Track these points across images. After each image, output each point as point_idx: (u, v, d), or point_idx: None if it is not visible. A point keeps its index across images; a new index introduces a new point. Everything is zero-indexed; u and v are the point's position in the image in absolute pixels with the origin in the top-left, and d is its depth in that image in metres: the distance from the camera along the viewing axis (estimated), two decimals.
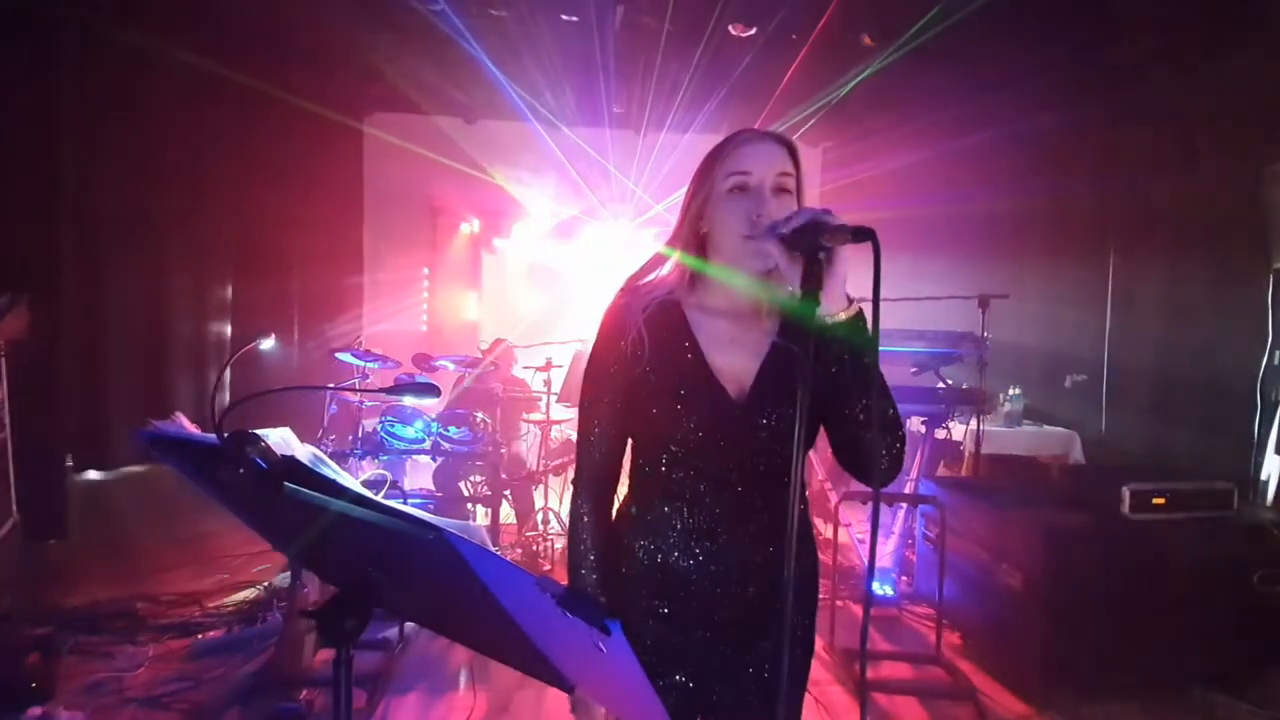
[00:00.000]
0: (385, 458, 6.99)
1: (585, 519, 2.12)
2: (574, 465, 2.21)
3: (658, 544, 2.08)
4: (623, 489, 2.24)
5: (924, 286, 7.74)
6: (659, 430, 2.04)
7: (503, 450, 7.20)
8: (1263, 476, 6.32)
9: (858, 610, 5.97)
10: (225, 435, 1.41)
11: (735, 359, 2.07)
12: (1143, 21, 6.82)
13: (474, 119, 11.34)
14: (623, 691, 1.58)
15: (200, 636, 5.58)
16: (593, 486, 2.15)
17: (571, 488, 2.20)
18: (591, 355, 2.14)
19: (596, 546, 2.10)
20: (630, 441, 2.16)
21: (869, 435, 1.88)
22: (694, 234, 2.07)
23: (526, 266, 12.34)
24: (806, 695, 2.33)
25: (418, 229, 11.94)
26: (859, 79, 8.62)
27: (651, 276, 2.15)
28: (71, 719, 4.42)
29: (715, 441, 2.02)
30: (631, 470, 2.16)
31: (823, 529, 6.99)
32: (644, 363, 2.03)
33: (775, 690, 1.64)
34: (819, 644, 2.24)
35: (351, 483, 1.46)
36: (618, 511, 2.21)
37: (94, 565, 6.79)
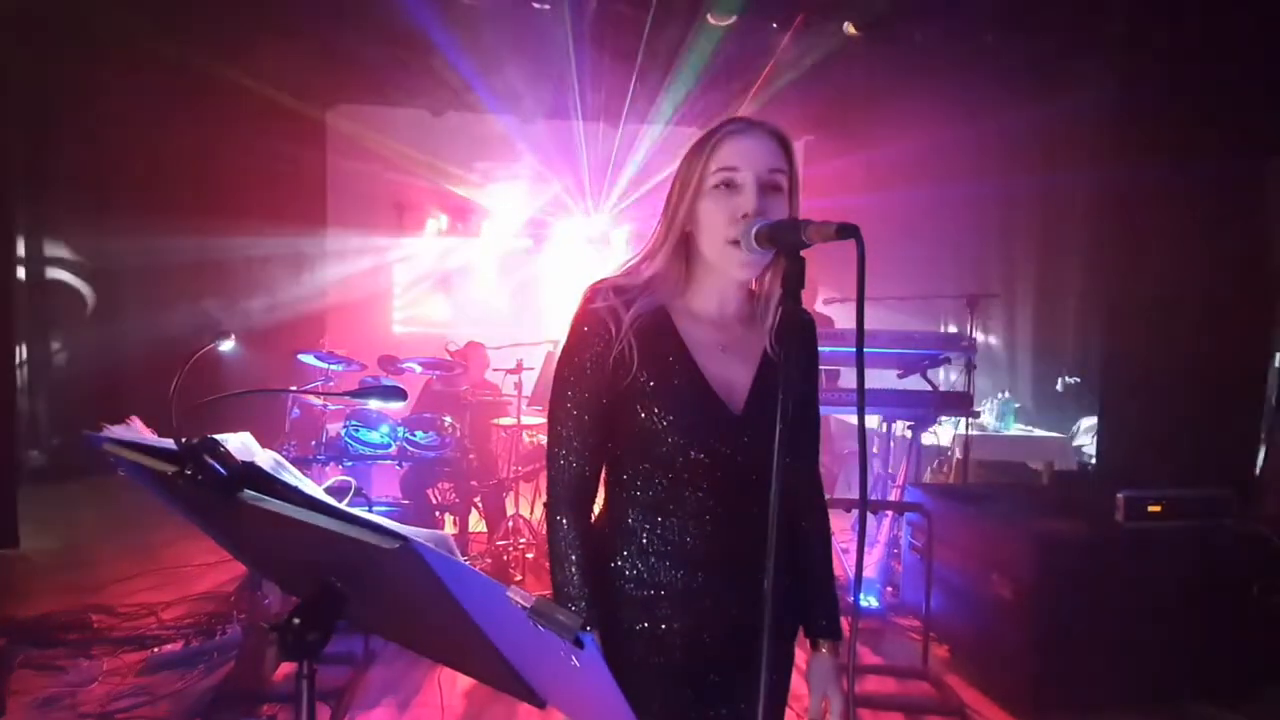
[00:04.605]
0: (350, 463, 6.96)
1: (567, 532, 2.04)
2: (545, 479, 2.13)
3: (645, 558, 2.05)
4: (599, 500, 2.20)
5: (911, 285, 7.77)
6: (649, 443, 2.01)
7: (471, 455, 7.18)
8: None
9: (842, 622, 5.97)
10: (183, 440, 1.41)
11: (730, 367, 2.06)
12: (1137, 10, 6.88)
13: (441, 111, 11.32)
14: (597, 708, 1.58)
15: (157, 650, 5.53)
16: (572, 503, 2.07)
17: (545, 508, 2.12)
18: (563, 362, 2.07)
19: (582, 559, 2.03)
20: (611, 452, 2.11)
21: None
22: (679, 233, 2.02)
23: (497, 265, 12.35)
24: (788, 711, 2.33)
25: (383, 226, 11.95)
26: (843, 69, 8.64)
27: (625, 271, 2.11)
28: None
29: (711, 453, 2.00)
30: (613, 482, 2.12)
31: None
32: (631, 374, 1.99)
33: (756, 704, 1.64)
34: (801, 658, 2.23)
35: (314, 489, 1.45)
36: (597, 524, 2.15)
37: (46, 576, 6.76)
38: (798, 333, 2.08)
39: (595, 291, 2.05)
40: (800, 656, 2.23)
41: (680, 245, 2.04)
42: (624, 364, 1.99)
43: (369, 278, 11.82)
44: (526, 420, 7.29)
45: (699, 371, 2.02)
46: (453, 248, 12.21)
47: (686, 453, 1.99)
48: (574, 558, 2.02)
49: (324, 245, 11.71)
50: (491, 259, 12.30)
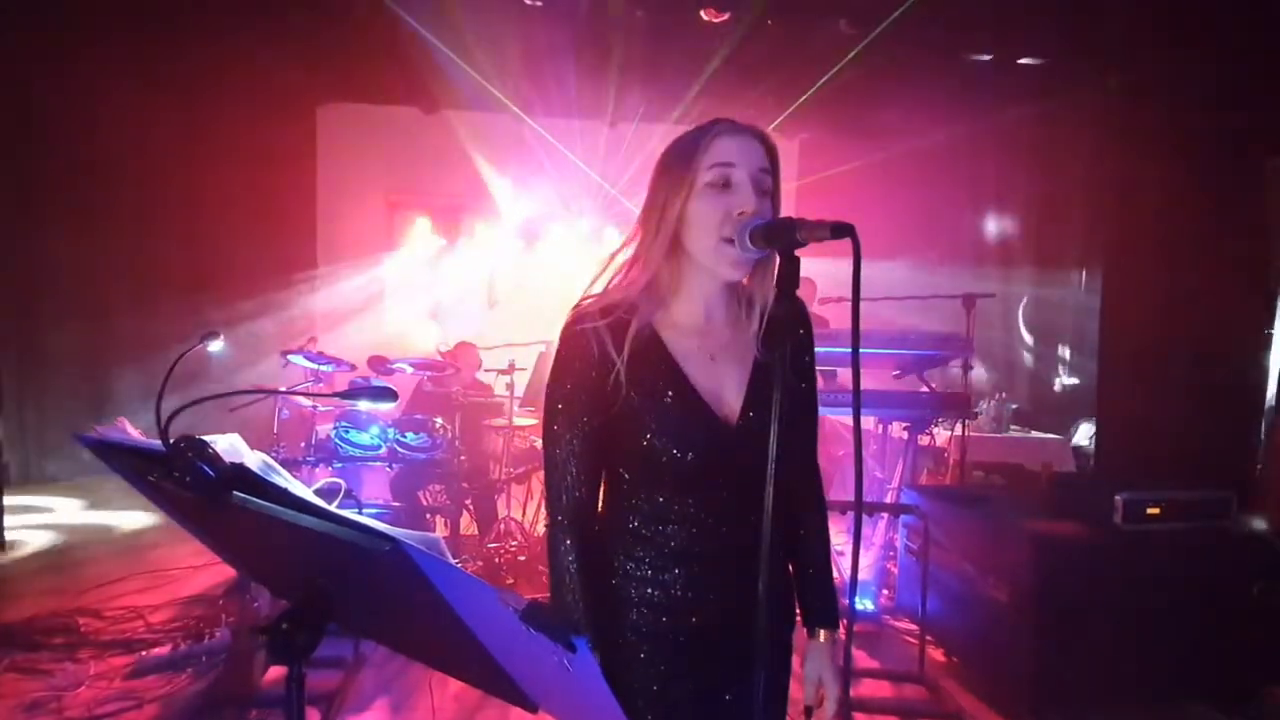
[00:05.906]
0: (339, 465, 6.95)
1: (568, 551, 2.03)
2: (545, 501, 2.13)
3: (647, 560, 2.06)
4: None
5: (906, 285, 7.76)
6: (647, 458, 2.01)
7: (462, 457, 7.17)
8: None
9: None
10: (170, 442, 1.41)
11: (720, 377, 2.05)
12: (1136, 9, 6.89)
13: (433, 109, 11.31)
14: (590, 711, 1.58)
15: (144, 653, 5.52)
16: (572, 525, 2.06)
17: (547, 528, 2.13)
18: (551, 387, 2.06)
19: (580, 572, 2.03)
20: (611, 464, 2.11)
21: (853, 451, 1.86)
22: (669, 235, 1.99)
23: (489, 264, 12.32)
24: (788, 717, 2.33)
25: (374, 226, 11.94)
26: (838, 67, 8.63)
27: (609, 285, 2.10)
28: None
29: (709, 464, 2.00)
30: (613, 488, 2.13)
31: None
32: (622, 397, 1.98)
33: (753, 707, 1.65)
34: (796, 662, 2.24)
35: (304, 491, 1.45)
36: (599, 526, 2.14)
37: (32, 578, 6.74)
38: (792, 330, 2.10)
39: (579, 315, 2.04)
40: (797, 662, 2.23)
41: (670, 248, 2.01)
42: (614, 387, 1.99)
43: (360, 278, 11.79)
44: (518, 421, 7.27)
45: (690, 386, 2.01)
46: (445, 246, 12.18)
47: (684, 466, 1.99)
48: (572, 570, 2.03)
49: (315, 244, 11.69)
50: (484, 257, 12.27)
